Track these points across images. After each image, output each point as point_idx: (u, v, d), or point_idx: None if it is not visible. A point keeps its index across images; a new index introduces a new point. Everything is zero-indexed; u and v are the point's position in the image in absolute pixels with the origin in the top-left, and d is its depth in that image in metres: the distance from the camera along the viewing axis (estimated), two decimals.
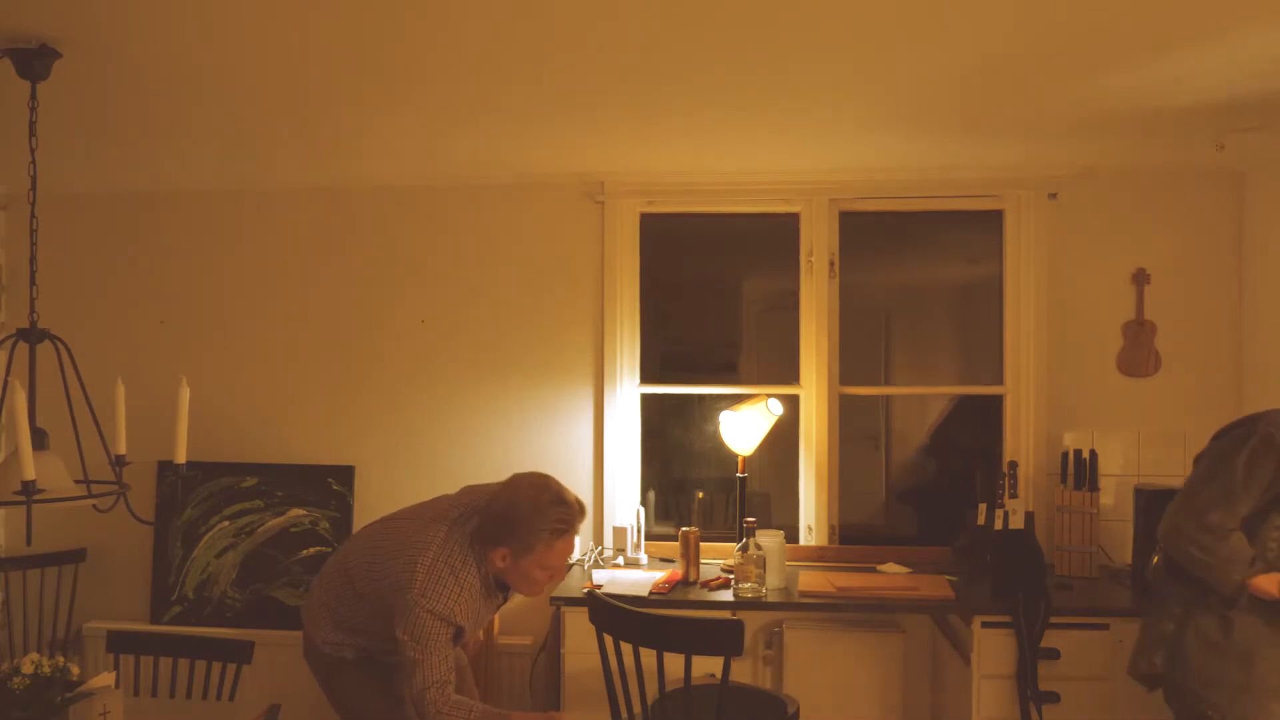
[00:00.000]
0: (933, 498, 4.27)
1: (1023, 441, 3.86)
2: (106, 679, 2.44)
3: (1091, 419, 3.82)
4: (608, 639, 2.77)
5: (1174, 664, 2.56)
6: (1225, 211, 3.80)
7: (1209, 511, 2.46)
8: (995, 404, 3.98)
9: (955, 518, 3.88)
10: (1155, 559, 2.86)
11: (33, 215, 2.51)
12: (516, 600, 4.06)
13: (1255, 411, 2.60)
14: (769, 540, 3.46)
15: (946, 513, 4.01)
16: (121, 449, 2.43)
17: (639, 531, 3.88)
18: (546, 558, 2.54)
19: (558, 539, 2.53)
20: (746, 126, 3.18)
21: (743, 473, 3.80)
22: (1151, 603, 2.69)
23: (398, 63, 2.55)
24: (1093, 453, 3.63)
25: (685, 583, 3.56)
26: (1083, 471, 3.61)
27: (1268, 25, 2.26)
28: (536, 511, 2.50)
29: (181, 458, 2.43)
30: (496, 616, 3.89)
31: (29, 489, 2.11)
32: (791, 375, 4.03)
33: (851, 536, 4.01)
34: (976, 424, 4.09)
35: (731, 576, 3.48)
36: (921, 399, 4.26)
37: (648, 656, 2.67)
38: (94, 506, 2.45)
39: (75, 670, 2.36)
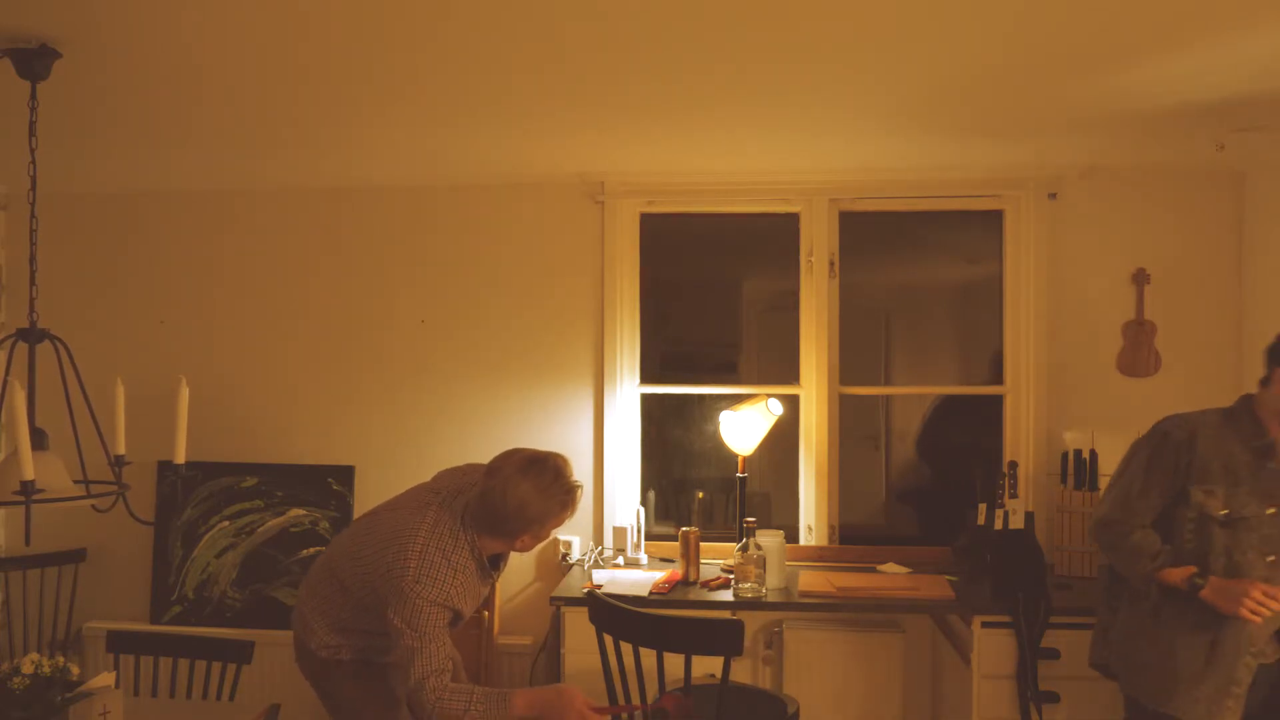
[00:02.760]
0: (933, 498, 4.27)
1: (1023, 441, 3.86)
2: (106, 679, 2.44)
3: (1091, 419, 3.82)
4: (608, 639, 2.77)
5: (1109, 650, 2.69)
6: (1225, 211, 3.80)
7: (1111, 512, 2.60)
8: (990, 403, 3.98)
9: (955, 518, 3.88)
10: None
11: (33, 215, 2.51)
12: (516, 600, 4.07)
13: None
14: (769, 540, 3.46)
15: (946, 513, 4.01)
16: (121, 449, 2.44)
17: (639, 531, 3.88)
18: (544, 533, 2.55)
19: (562, 517, 2.53)
20: (747, 126, 3.18)
21: (743, 473, 3.80)
22: (1100, 595, 2.80)
23: (397, 62, 2.55)
24: (1093, 453, 3.63)
25: (685, 583, 3.56)
26: (1083, 471, 3.61)
27: (1267, 25, 2.26)
28: (547, 511, 2.47)
29: (181, 458, 2.43)
30: (497, 617, 3.89)
31: (29, 489, 2.11)
32: (791, 375, 4.03)
33: (851, 536, 4.00)
34: (971, 423, 4.10)
35: (731, 576, 3.48)
36: (921, 399, 4.25)
37: (648, 656, 2.67)
38: (94, 506, 2.45)
39: (75, 670, 2.36)
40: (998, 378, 3.96)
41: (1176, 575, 2.47)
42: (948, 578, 3.52)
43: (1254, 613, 2.37)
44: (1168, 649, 2.51)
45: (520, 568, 4.03)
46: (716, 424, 3.88)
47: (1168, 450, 2.54)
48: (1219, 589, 2.42)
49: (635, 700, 2.83)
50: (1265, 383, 2.52)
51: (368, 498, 4.05)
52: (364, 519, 2.72)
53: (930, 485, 4.32)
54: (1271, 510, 2.45)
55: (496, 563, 2.64)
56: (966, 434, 4.13)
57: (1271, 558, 2.45)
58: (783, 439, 4.01)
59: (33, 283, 2.49)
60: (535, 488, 2.45)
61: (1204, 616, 2.47)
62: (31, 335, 2.37)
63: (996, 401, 3.97)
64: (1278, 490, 2.47)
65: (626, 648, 2.74)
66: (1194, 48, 2.41)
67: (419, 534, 2.47)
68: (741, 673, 3.67)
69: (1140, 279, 3.83)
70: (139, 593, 4.18)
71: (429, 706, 2.41)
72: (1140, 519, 2.55)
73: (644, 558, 3.87)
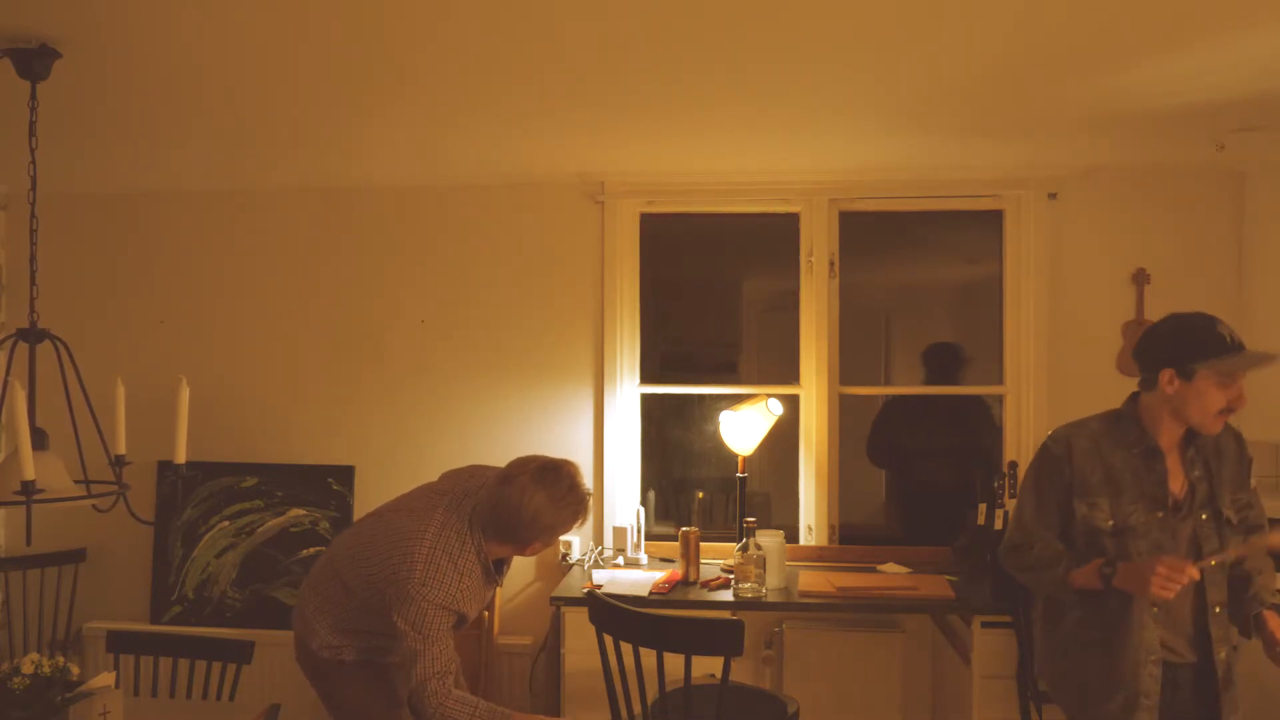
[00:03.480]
0: (933, 498, 4.27)
1: (1023, 441, 3.86)
2: (106, 679, 2.44)
3: None
4: (608, 639, 2.77)
5: (1035, 667, 2.66)
6: (1225, 211, 3.80)
7: (1011, 537, 2.55)
8: (980, 404, 4.00)
9: (955, 518, 3.88)
10: None
11: (33, 215, 2.51)
12: (517, 600, 4.07)
13: None
14: (769, 540, 3.46)
15: (946, 513, 4.01)
16: (121, 449, 2.43)
17: (639, 531, 3.88)
18: (554, 540, 2.56)
19: (573, 526, 2.54)
20: (746, 126, 3.19)
21: (743, 473, 3.80)
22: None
23: (397, 62, 2.55)
24: None
25: (685, 583, 3.56)
26: None
27: (1267, 25, 2.26)
28: (560, 520, 2.48)
29: (181, 458, 2.43)
30: (497, 617, 3.89)
31: (29, 489, 2.11)
32: (791, 375, 4.03)
33: (851, 536, 4.00)
34: (941, 423, 4.13)
35: (731, 576, 3.48)
36: (874, 402, 4.25)
37: (648, 656, 2.67)
38: (94, 506, 2.45)
39: (75, 670, 2.36)
40: (998, 378, 3.96)
41: (1086, 574, 2.38)
42: (948, 578, 3.52)
43: (1164, 588, 2.23)
44: (1076, 664, 2.47)
45: (520, 568, 4.03)
46: (716, 424, 3.88)
47: (1048, 465, 2.48)
48: (1126, 574, 2.31)
49: (635, 700, 2.83)
50: (1148, 386, 2.44)
51: (368, 498, 4.05)
52: (368, 519, 2.71)
53: (930, 485, 4.32)
54: (1160, 514, 2.39)
55: (500, 566, 2.64)
56: (967, 436, 4.14)
57: None
58: (783, 439, 4.01)
59: (33, 283, 2.49)
60: (550, 497, 2.45)
61: (1104, 631, 2.41)
62: (31, 335, 2.37)
63: (980, 401, 3.98)
64: (1161, 495, 2.39)
65: (626, 648, 2.74)
66: (1194, 48, 2.41)
67: (425, 537, 2.46)
68: (741, 673, 3.67)
69: (1140, 279, 3.83)
70: (139, 593, 4.18)
71: (430, 708, 2.41)
72: (1032, 537, 2.49)
73: (644, 558, 3.87)
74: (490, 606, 3.84)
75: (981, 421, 4.10)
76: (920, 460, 4.28)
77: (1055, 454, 2.48)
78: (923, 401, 4.17)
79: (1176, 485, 2.42)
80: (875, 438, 4.19)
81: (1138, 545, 2.38)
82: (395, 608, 2.43)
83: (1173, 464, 2.43)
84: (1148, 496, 2.40)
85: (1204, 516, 2.41)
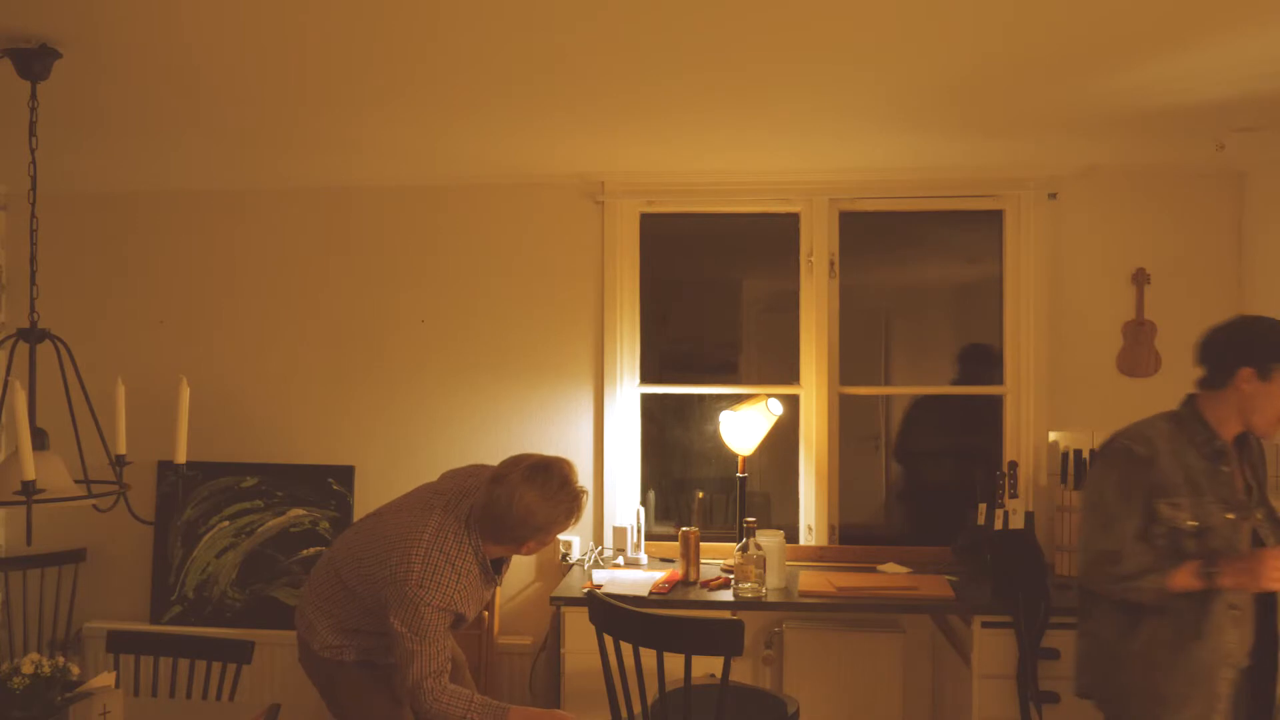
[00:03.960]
0: (933, 498, 4.27)
1: (1023, 441, 3.86)
2: (106, 679, 2.44)
3: (1092, 419, 3.82)
4: (608, 639, 2.77)
5: (1094, 676, 2.58)
6: (1225, 211, 3.80)
7: (1097, 545, 2.47)
8: (990, 403, 3.98)
9: (955, 518, 3.88)
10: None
11: (33, 215, 2.51)
12: (516, 600, 4.06)
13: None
14: (769, 540, 3.46)
15: (946, 513, 4.02)
16: (121, 449, 2.43)
17: (639, 531, 3.88)
18: (549, 539, 2.55)
19: (567, 524, 2.53)
20: (746, 126, 3.18)
21: (743, 473, 3.80)
22: (1079, 621, 2.69)
23: (396, 62, 2.55)
24: (1093, 452, 3.63)
25: (685, 583, 3.56)
26: (1083, 471, 3.61)
27: (1267, 25, 2.26)
28: (553, 519, 2.48)
29: (181, 458, 2.43)
30: (497, 617, 3.89)
31: (29, 489, 2.11)
32: (791, 375, 4.03)
33: (851, 536, 4.01)
34: (961, 423, 4.11)
35: (731, 576, 3.48)
36: (902, 400, 4.25)
37: (648, 656, 2.67)
38: (94, 506, 2.45)
39: (75, 670, 2.36)
40: (998, 378, 3.96)
41: (1185, 576, 2.36)
42: (948, 578, 3.52)
43: (1278, 579, 2.28)
44: (1151, 674, 2.43)
45: (520, 568, 4.03)
46: (716, 424, 3.88)
47: (1135, 469, 2.44)
48: (1234, 569, 2.31)
49: (635, 700, 2.83)
50: (1217, 385, 2.45)
51: (368, 498, 4.05)
52: (368, 520, 2.71)
53: (930, 485, 4.33)
54: (1230, 515, 2.40)
55: (499, 566, 2.64)
56: (956, 434, 4.14)
57: None
58: (783, 439, 4.01)
59: (33, 283, 2.49)
60: (541, 495, 2.45)
61: (1181, 637, 2.40)
62: (31, 335, 2.37)
63: (992, 401, 3.97)
64: (1233, 495, 2.42)
65: (626, 648, 2.74)
66: (1194, 48, 2.41)
67: (423, 537, 2.46)
68: (741, 673, 3.67)
69: (1140, 279, 3.83)
70: (139, 593, 4.18)
71: (427, 705, 2.41)
72: (1127, 543, 2.44)
73: (644, 558, 3.87)
74: (490, 606, 3.84)
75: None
76: (936, 459, 4.27)
77: (1140, 455, 2.44)
78: (944, 401, 4.16)
79: (1239, 485, 2.46)
80: (903, 437, 4.19)
81: (1216, 545, 2.38)
82: (392, 609, 2.43)
83: (1233, 464, 2.47)
84: (1223, 498, 2.42)
85: (1259, 515, 2.45)
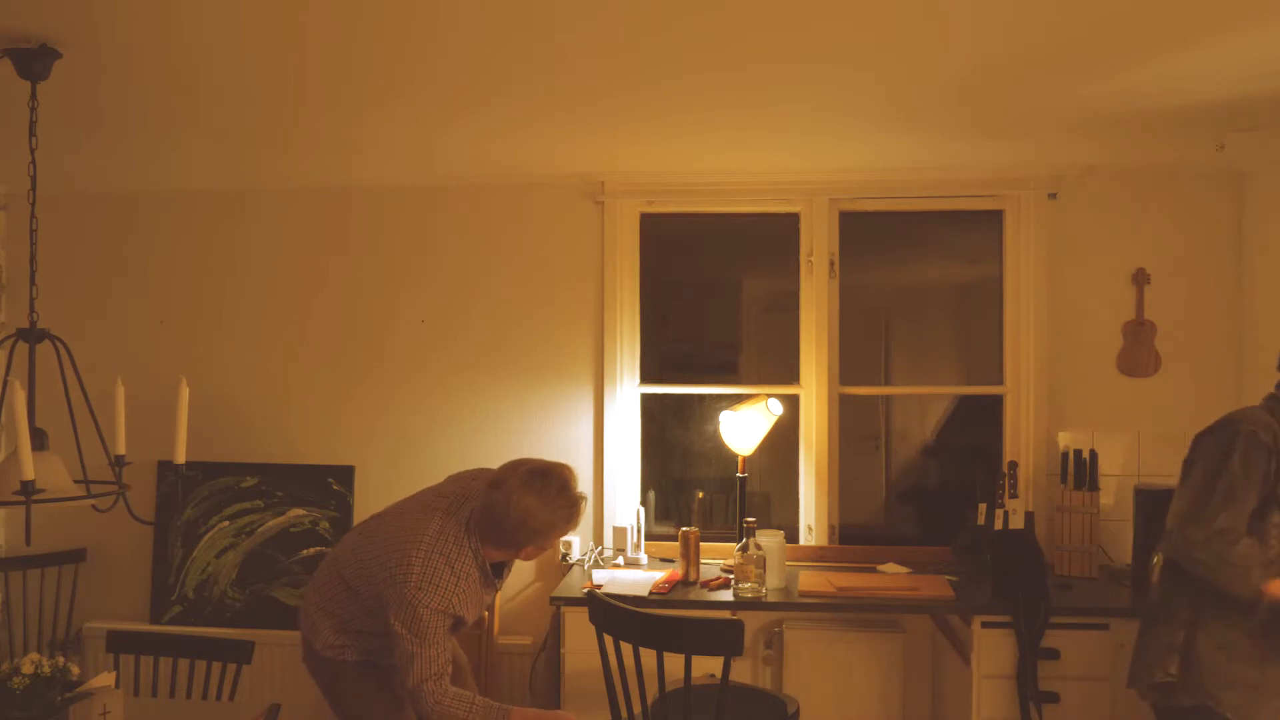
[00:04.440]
0: (933, 498, 4.27)
1: (1023, 441, 3.86)
2: (106, 679, 2.44)
3: (1091, 419, 3.83)
4: (608, 639, 2.77)
5: (1187, 668, 2.52)
6: (1225, 211, 3.80)
7: (1217, 516, 2.39)
8: (994, 403, 3.98)
9: (955, 518, 3.88)
10: (1156, 563, 2.82)
11: (33, 215, 2.51)
12: (516, 600, 4.06)
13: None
14: (769, 540, 3.46)
15: (946, 513, 4.01)
16: (121, 449, 2.44)
17: (639, 531, 3.88)
18: (548, 544, 2.56)
19: (566, 529, 2.54)
20: (747, 126, 3.18)
21: (743, 473, 3.80)
22: (1156, 611, 2.63)
23: (396, 62, 2.55)
24: (1093, 453, 3.63)
25: (685, 583, 3.56)
26: (1083, 471, 3.61)
27: (1267, 25, 2.26)
28: (550, 524, 2.48)
29: (181, 458, 2.43)
30: (497, 617, 3.89)
31: (29, 489, 2.11)
32: (791, 375, 4.03)
33: (851, 536, 4.01)
34: (976, 424, 4.10)
35: (731, 576, 3.48)
36: (921, 399, 4.25)
37: (648, 656, 2.67)
38: (94, 506, 2.45)
39: (75, 670, 2.36)
40: (998, 377, 3.96)
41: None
42: (948, 578, 3.52)
43: None
44: (1259, 662, 2.43)
45: (521, 568, 4.03)
46: (716, 424, 3.88)
47: (1259, 453, 2.39)
48: None
49: (635, 700, 2.83)
50: None
51: (368, 498, 4.06)
52: (371, 521, 2.73)
53: (930, 485, 4.33)
54: None
55: (500, 570, 2.64)
56: (975, 435, 4.13)
57: None
58: (783, 439, 4.01)
59: (33, 283, 2.49)
60: (540, 500, 2.45)
61: (1272, 635, 2.40)
62: (31, 335, 2.37)
63: (996, 401, 3.97)
64: None
65: (626, 648, 2.74)
66: (1194, 48, 2.41)
67: (423, 540, 2.47)
68: (741, 673, 3.67)
69: (1140, 279, 3.83)
70: (139, 593, 4.18)
71: (428, 707, 2.42)
72: (1244, 524, 2.39)
73: (644, 558, 3.87)
74: (490, 607, 3.84)
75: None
76: (951, 457, 4.26)
77: (1265, 442, 2.40)
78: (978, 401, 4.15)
79: None
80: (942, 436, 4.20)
81: None
82: (392, 610, 2.44)
83: None
84: None
85: None
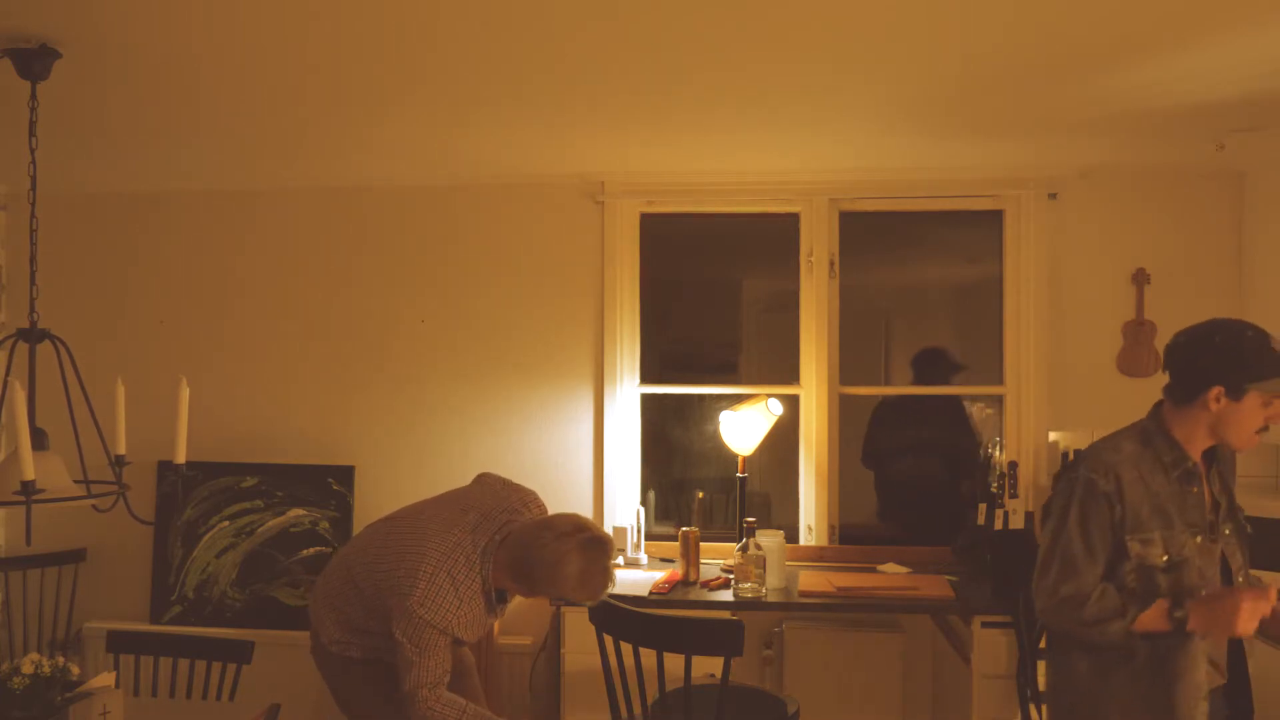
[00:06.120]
0: (933, 498, 4.27)
1: (1023, 441, 3.86)
2: (106, 679, 2.44)
3: (1091, 419, 3.82)
4: (608, 639, 2.77)
5: (1066, 717, 2.37)
6: (1225, 211, 3.80)
7: (1059, 588, 2.22)
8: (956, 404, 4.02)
9: (955, 518, 3.88)
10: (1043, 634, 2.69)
11: (33, 215, 2.51)
12: (517, 600, 4.06)
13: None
14: (769, 540, 3.46)
15: (947, 513, 4.02)
16: (121, 449, 2.43)
17: (639, 531, 3.88)
18: (553, 596, 2.57)
19: (579, 596, 2.53)
20: (747, 126, 3.18)
21: (743, 473, 3.80)
22: (1049, 659, 2.48)
23: (397, 63, 2.55)
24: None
25: (685, 583, 3.56)
26: None
27: (1267, 25, 2.26)
28: (576, 590, 2.47)
29: (181, 458, 2.43)
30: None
31: (29, 489, 2.11)
32: (791, 375, 4.03)
33: (851, 536, 4.00)
34: (920, 422, 4.13)
35: (731, 576, 3.48)
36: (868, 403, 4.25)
37: (648, 656, 2.67)
38: (94, 506, 2.45)
39: (75, 670, 2.37)
40: (998, 378, 3.96)
41: (1152, 618, 2.16)
42: (948, 578, 3.52)
43: (1249, 625, 2.08)
44: (1127, 714, 2.23)
45: None
46: (716, 424, 3.88)
47: (1095, 502, 2.19)
48: (1205, 614, 2.12)
49: (635, 701, 2.83)
50: (1185, 401, 2.20)
51: (368, 498, 4.06)
52: (387, 522, 2.71)
53: (930, 485, 4.33)
54: (1199, 539, 2.20)
55: (504, 596, 2.63)
56: (952, 435, 4.15)
57: (1204, 590, 2.19)
58: (783, 439, 4.01)
59: (33, 283, 2.49)
60: (583, 571, 2.44)
61: (1161, 676, 2.20)
62: (31, 335, 2.36)
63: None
64: (1202, 518, 2.22)
65: (626, 648, 2.74)
66: (1194, 47, 2.41)
67: (432, 555, 2.45)
68: (741, 673, 3.67)
69: (1140, 279, 3.83)
70: (139, 593, 4.18)
71: (421, 715, 2.43)
72: (1091, 585, 2.19)
73: (644, 558, 3.87)
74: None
75: (958, 421, 4.11)
76: (901, 460, 4.28)
77: (1103, 490, 2.19)
78: (910, 402, 4.19)
79: (1208, 504, 2.25)
80: (869, 441, 4.19)
81: (1190, 576, 2.18)
82: (394, 618, 2.45)
83: (1202, 483, 2.26)
84: (1192, 523, 2.21)
85: (1227, 531, 2.26)
